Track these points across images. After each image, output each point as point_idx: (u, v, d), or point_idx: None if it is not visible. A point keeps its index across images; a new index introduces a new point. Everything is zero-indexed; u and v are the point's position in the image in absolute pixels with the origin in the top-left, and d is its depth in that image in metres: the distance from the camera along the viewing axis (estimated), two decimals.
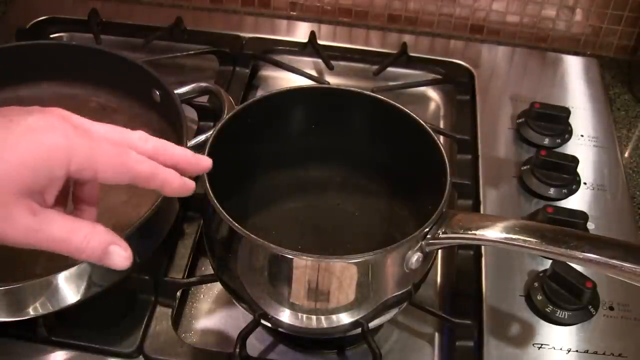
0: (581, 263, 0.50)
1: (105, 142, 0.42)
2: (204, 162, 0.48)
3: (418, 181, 0.60)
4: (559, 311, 0.60)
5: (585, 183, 0.72)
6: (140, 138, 0.45)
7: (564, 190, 0.71)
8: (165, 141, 0.46)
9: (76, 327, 0.59)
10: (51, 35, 0.89)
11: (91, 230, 0.41)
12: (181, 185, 0.45)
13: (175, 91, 0.66)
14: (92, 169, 0.41)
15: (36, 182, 0.39)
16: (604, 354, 0.59)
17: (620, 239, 0.52)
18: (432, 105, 0.86)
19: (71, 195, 0.47)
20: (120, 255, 0.42)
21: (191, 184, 0.46)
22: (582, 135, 0.78)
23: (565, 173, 0.71)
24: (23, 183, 0.39)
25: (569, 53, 0.90)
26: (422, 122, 0.58)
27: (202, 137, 0.64)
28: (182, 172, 0.46)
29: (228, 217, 0.50)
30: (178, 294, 0.61)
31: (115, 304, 0.60)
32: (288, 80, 0.85)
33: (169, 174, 0.44)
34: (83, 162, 0.40)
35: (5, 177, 0.38)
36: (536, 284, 0.62)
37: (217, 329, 0.62)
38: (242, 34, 0.88)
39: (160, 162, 0.45)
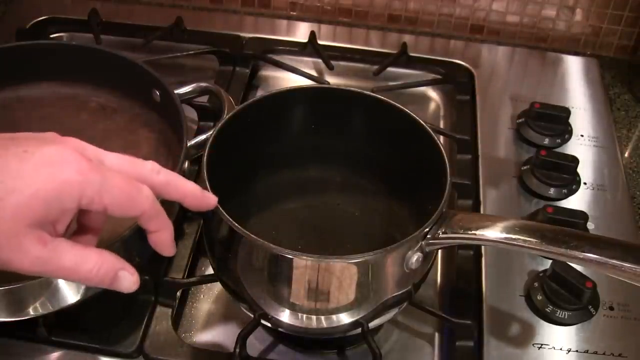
0: (581, 263, 0.50)
1: (117, 177, 0.42)
2: (210, 199, 0.49)
3: (418, 181, 0.60)
4: (559, 311, 0.60)
5: (585, 183, 0.72)
6: (153, 170, 0.45)
7: (564, 190, 0.71)
8: (176, 174, 0.47)
9: (76, 327, 0.59)
10: (51, 35, 0.89)
11: (99, 259, 0.42)
12: (169, 241, 0.47)
13: (175, 91, 0.65)
14: (102, 204, 0.41)
15: (48, 215, 0.40)
16: (604, 354, 0.59)
17: (620, 239, 0.52)
18: (432, 105, 0.86)
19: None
20: (129, 280, 0.44)
21: (174, 249, 0.47)
22: (582, 135, 0.78)
23: (565, 173, 0.71)
24: (35, 215, 0.39)
25: (569, 53, 0.90)
26: (422, 122, 0.58)
27: (202, 137, 0.64)
28: (188, 206, 0.48)
29: (228, 217, 0.50)
30: (178, 294, 0.61)
31: (115, 304, 0.60)
32: (288, 80, 0.85)
33: (167, 226, 0.46)
34: (94, 197, 0.41)
35: (19, 208, 0.39)
36: (536, 284, 0.62)
37: (217, 329, 0.62)
38: (242, 34, 0.88)
39: (169, 194, 0.46)
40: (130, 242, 0.54)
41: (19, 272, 0.41)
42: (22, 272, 0.41)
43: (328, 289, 0.50)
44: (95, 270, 0.42)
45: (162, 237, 0.46)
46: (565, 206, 0.68)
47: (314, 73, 0.85)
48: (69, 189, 0.40)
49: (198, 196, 0.48)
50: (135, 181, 0.43)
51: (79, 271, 0.42)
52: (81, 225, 0.46)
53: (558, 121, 0.76)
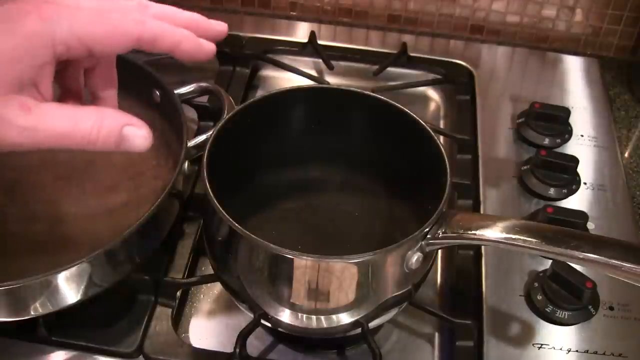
0: (581, 263, 0.50)
1: (87, 10, 0.37)
2: (218, 26, 0.42)
3: (418, 181, 0.60)
4: (559, 311, 0.60)
5: (585, 183, 0.72)
6: (140, 3, 0.39)
7: (564, 190, 0.71)
8: (170, 7, 0.40)
9: (76, 327, 0.59)
10: None
11: (99, 116, 0.37)
12: (197, 46, 0.40)
13: (176, 91, 0.66)
14: (82, 43, 0.36)
15: (21, 75, 0.35)
16: (604, 354, 0.59)
17: (620, 239, 0.52)
18: (432, 105, 0.86)
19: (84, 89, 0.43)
20: (139, 136, 0.38)
21: (209, 46, 0.40)
22: (582, 135, 0.78)
23: (565, 173, 0.71)
24: (7, 79, 0.35)
25: (569, 53, 0.90)
26: (422, 122, 0.58)
27: (202, 137, 0.64)
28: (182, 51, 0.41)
29: (228, 217, 0.50)
30: (178, 294, 0.61)
31: (115, 304, 0.60)
32: (288, 80, 0.85)
33: (180, 33, 0.39)
34: (68, 39, 0.36)
35: None
36: (536, 284, 0.62)
37: (217, 329, 0.62)
38: (242, 34, 0.88)
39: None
40: (130, 242, 0.54)
41: (10, 149, 0.35)
42: (13, 148, 0.36)
43: (328, 289, 0.50)
44: (95, 131, 0.36)
45: (188, 48, 0.39)
46: (565, 206, 0.68)
47: (314, 73, 0.85)
48: (34, 39, 0.35)
49: (203, 27, 0.40)
50: (112, 9, 0.37)
51: (77, 134, 0.36)
52: (91, 88, 0.41)
53: (558, 121, 0.76)
